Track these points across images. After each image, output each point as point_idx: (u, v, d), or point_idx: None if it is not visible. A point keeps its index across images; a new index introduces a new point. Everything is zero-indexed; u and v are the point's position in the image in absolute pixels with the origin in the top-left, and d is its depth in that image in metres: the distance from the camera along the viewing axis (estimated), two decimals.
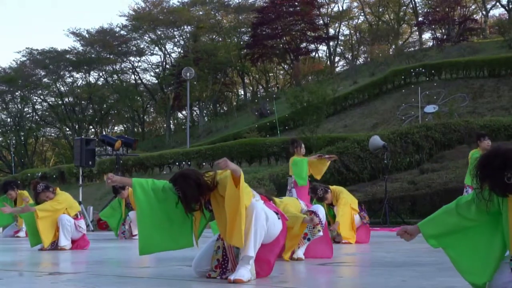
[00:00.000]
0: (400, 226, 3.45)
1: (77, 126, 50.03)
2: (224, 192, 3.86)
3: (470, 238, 3.21)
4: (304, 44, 48.43)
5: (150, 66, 51.63)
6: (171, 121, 51.25)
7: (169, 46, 50.29)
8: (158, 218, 4.10)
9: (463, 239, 3.22)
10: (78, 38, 48.47)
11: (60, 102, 50.83)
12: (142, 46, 49.78)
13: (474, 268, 3.17)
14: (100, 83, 52.10)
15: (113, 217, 10.37)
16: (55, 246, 7.12)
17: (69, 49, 48.82)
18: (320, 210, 5.72)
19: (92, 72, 51.10)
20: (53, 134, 55.02)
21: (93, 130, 52.33)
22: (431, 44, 47.59)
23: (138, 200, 4.10)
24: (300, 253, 5.49)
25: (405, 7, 50.09)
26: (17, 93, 50.69)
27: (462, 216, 3.19)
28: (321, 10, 48.85)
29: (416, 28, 49.75)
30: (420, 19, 47.44)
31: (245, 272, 3.76)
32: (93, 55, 48.79)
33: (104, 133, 46.53)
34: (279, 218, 4.07)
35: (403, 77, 30.64)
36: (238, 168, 3.78)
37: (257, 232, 3.78)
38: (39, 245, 7.20)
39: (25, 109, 51.95)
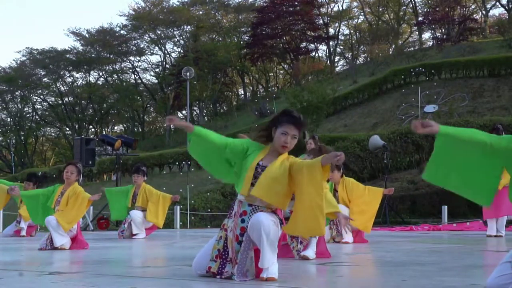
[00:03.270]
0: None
1: (77, 126, 50.01)
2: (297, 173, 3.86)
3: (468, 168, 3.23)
4: (304, 44, 48.45)
5: (150, 66, 51.75)
6: None
7: (169, 46, 50.39)
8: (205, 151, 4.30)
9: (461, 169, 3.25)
10: (78, 38, 48.52)
11: (60, 102, 50.84)
12: (142, 45, 49.87)
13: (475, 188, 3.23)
14: (100, 82, 52.14)
15: (117, 202, 10.17)
16: (54, 245, 7.09)
17: (69, 49, 48.92)
18: None
19: (92, 72, 51.18)
20: (53, 134, 55.03)
21: (93, 129, 52.32)
22: (431, 44, 47.67)
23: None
24: (311, 253, 5.47)
25: (405, 7, 50.14)
26: (17, 93, 50.70)
27: (475, 135, 3.19)
28: (321, 9, 48.88)
29: (416, 27, 49.78)
30: (420, 18, 47.47)
31: (276, 269, 3.80)
32: (93, 55, 48.79)
33: (104, 132, 46.57)
34: (281, 223, 4.05)
35: (403, 76, 30.63)
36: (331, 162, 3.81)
37: (269, 238, 3.77)
38: (39, 245, 7.20)
39: (25, 109, 51.99)
